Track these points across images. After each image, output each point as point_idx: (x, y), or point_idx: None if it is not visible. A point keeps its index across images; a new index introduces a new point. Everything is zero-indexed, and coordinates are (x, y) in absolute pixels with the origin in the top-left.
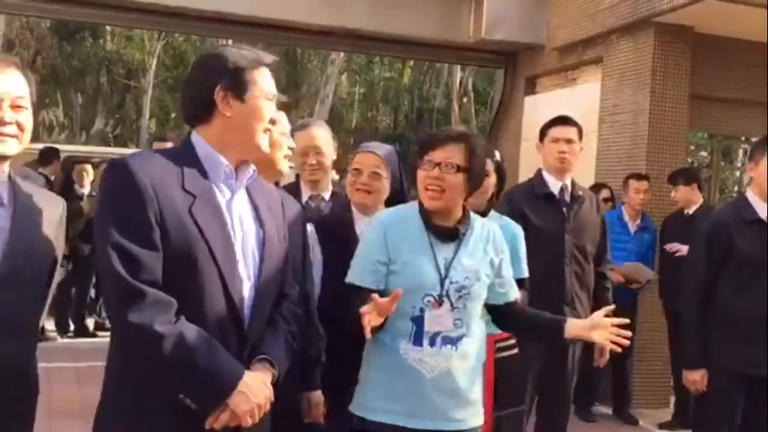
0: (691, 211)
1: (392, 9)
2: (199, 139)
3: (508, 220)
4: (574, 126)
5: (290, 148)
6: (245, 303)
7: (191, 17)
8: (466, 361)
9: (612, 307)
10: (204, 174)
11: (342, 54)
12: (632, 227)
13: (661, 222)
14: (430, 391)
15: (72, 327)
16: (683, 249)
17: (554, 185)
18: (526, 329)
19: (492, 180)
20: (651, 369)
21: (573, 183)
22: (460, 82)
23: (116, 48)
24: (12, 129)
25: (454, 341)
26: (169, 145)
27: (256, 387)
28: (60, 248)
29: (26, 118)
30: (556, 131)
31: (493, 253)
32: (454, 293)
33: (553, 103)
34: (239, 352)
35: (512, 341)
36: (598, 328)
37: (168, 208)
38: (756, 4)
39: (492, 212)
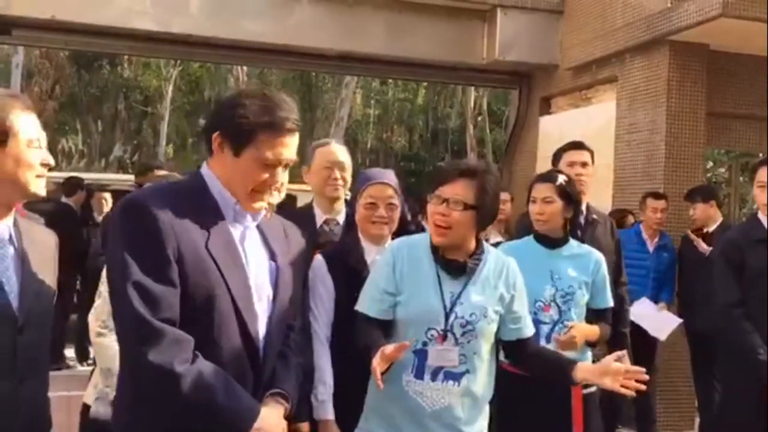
0: (710, 230)
1: (407, 33)
2: (209, 173)
3: (589, 249)
4: (588, 150)
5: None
6: (260, 338)
7: (207, 45)
8: (468, 397)
9: (624, 352)
10: (216, 210)
11: (356, 77)
12: (650, 245)
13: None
14: (430, 422)
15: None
16: None
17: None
18: (536, 368)
19: (557, 206)
20: (675, 390)
21: (588, 207)
22: (475, 102)
23: (133, 75)
24: (46, 170)
25: (456, 377)
26: (163, 172)
27: (272, 422)
28: (55, 283)
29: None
30: (572, 155)
31: (504, 289)
32: (458, 328)
33: (568, 123)
34: (255, 387)
35: None
36: (609, 374)
37: (185, 245)
38: None
39: (571, 241)
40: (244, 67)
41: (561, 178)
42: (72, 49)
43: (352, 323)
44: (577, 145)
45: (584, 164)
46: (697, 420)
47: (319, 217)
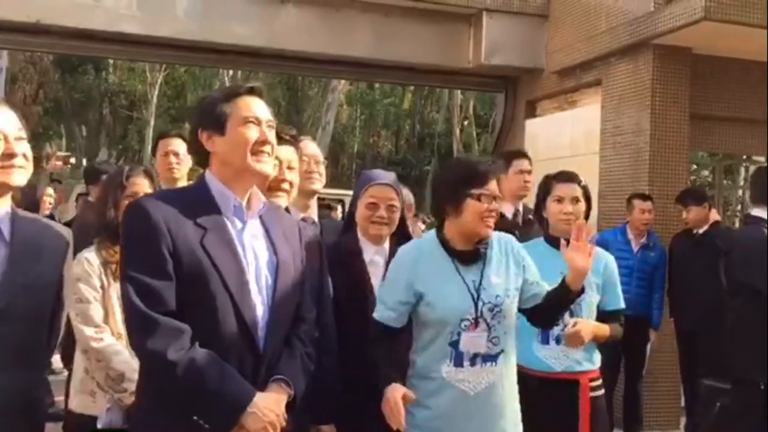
0: (701, 231)
1: (393, 37)
2: (211, 177)
3: (599, 250)
4: (529, 159)
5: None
6: (259, 325)
7: (193, 49)
8: (506, 373)
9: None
10: (216, 208)
11: (342, 81)
12: (635, 245)
13: (667, 242)
14: (474, 409)
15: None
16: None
17: (508, 209)
18: (550, 312)
19: (582, 207)
20: (661, 389)
21: (526, 207)
22: (461, 106)
23: (118, 80)
24: (21, 160)
25: (493, 358)
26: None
27: (266, 406)
28: (69, 279)
29: (29, 149)
30: (520, 164)
31: (514, 265)
32: (488, 313)
33: (553, 126)
34: (255, 373)
35: (600, 381)
36: (576, 259)
37: (180, 242)
38: (751, 24)
39: None
40: (230, 72)
41: (582, 179)
42: (57, 53)
43: (350, 322)
44: (524, 155)
45: (530, 172)
46: (683, 420)
47: (296, 216)
